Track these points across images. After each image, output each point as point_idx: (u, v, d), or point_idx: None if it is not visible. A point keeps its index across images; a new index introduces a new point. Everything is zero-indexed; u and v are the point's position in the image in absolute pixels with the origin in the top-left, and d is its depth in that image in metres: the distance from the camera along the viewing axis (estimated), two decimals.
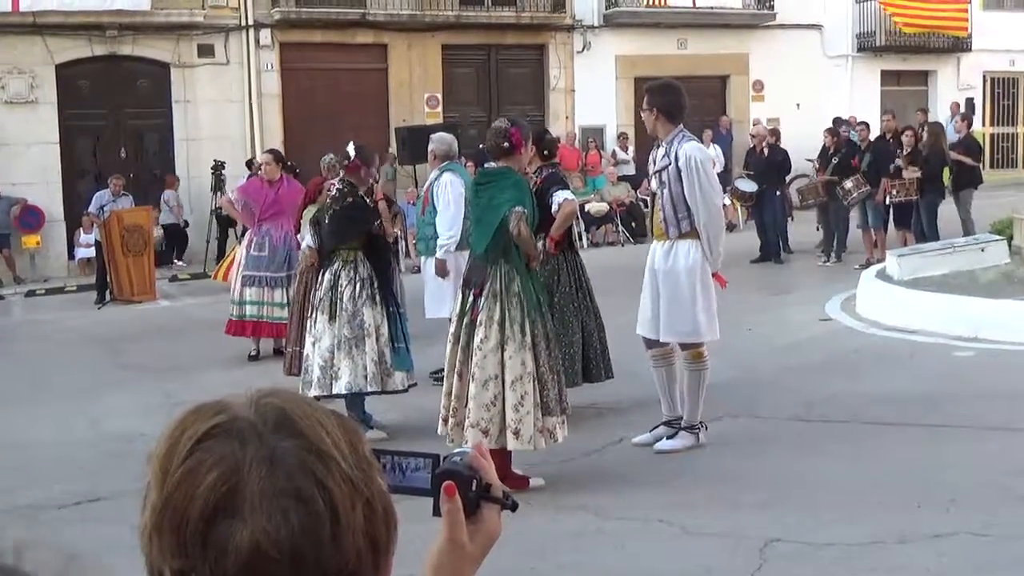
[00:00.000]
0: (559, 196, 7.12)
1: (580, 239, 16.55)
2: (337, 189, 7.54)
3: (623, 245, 18.27)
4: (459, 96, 21.20)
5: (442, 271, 8.52)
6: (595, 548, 5.32)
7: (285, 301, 9.88)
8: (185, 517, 0.96)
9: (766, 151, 15.81)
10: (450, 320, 6.62)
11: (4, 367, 10.96)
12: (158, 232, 18.24)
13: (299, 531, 0.95)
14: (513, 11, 21.12)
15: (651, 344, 6.90)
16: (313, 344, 7.30)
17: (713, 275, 6.71)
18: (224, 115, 19.43)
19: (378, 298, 7.31)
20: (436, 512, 1.21)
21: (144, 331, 12.70)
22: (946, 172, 14.68)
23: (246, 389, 1.05)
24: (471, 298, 6.10)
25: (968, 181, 14.82)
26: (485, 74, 21.60)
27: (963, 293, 10.15)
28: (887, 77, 24.41)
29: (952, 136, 15.93)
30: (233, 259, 11.31)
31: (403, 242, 15.76)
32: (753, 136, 17.03)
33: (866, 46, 24.08)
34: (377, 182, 9.01)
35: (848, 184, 14.37)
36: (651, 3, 21.83)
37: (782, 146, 16.02)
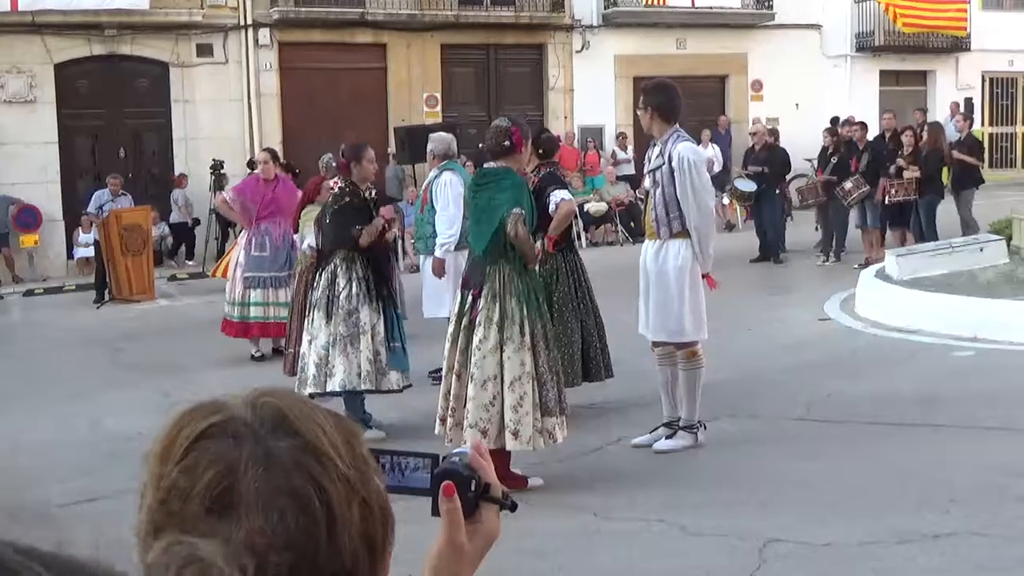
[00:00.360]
0: (556, 196, 7.11)
1: (580, 238, 16.58)
2: (339, 188, 7.56)
3: (622, 244, 18.26)
4: (458, 96, 21.21)
5: (439, 270, 8.48)
6: (594, 548, 5.31)
7: (288, 301, 9.87)
8: (181, 516, 0.95)
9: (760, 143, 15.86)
10: (448, 320, 6.61)
11: (3, 366, 10.96)
12: (159, 231, 18.25)
13: (295, 531, 0.95)
14: (512, 11, 21.12)
15: (656, 343, 6.91)
16: (310, 342, 7.31)
17: (704, 276, 6.71)
18: (223, 115, 19.43)
19: (375, 297, 7.31)
20: (435, 512, 1.21)
21: (143, 331, 12.70)
22: (945, 172, 14.68)
23: (244, 388, 1.04)
24: (470, 298, 6.10)
25: (970, 181, 14.82)
26: (484, 74, 21.60)
27: (962, 293, 10.14)
28: (886, 77, 24.42)
29: (953, 135, 15.93)
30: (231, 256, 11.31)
31: (402, 241, 15.78)
32: (753, 134, 17.01)
33: (865, 46, 24.10)
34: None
35: (848, 185, 14.37)
36: (650, 3, 21.83)
37: (781, 145, 16.02)
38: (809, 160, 16.59)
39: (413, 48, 20.64)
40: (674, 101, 6.74)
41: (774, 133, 16.59)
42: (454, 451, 1.26)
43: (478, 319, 5.99)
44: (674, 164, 6.54)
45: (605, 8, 21.77)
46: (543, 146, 7.61)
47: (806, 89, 22.70)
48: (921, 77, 25.06)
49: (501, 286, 5.99)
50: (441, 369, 6.40)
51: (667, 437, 6.84)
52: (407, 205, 16.69)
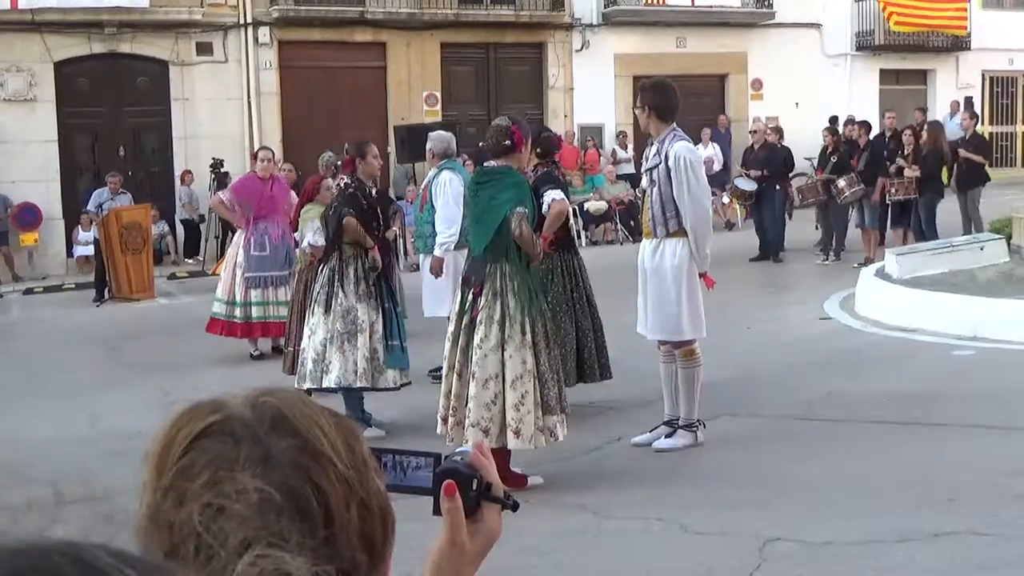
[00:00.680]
0: (549, 196, 7.10)
1: (580, 238, 16.58)
2: (345, 183, 7.57)
3: (622, 243, 18.27)
4: (458, 94, 21.20)
5: (437, 269, 8.45)
6: (594, 547, 5.31)
7: (288, 299, 9.87)
8: (179, 515, 0.95)
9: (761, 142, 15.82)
10: (449, 319, 6.61)
11: (3, 365, 10.96)
12: (158, 230, 18.24)
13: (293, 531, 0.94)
14: (512, 9, 21.12)
15: (660, 341, 6.90)
16: (308, 337, 7.33)
17: (701, 276, 6.71)
18: (223, 113, 19.43)
19: (375, 294, 7.31)
20: (436, 511, 1.20)
21: (143, 329, 12.70)
22: (944, 171, 14.68)
23: (243, 387, 1.04)
24: (470, 297, 6.09)
25: (977, 179, 14.81)
26: (484, 72, 21.60)
27: (962, 292, 10.14)
28: (886, 76, 24.42)
29: (958, 134, 15.90)
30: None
31: (402, 240, 15.77)
32: (753, 132, 16.97)
33: (865, 45, 24.09)
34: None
35: (841, 182, 14.38)
36: (650, 2, 21.84)
37: (783, 144, 16.01)
38: (809, 159, 16.59)
39: (413, 47, 20.64)
40: (671, 100, 6.73)
41: (778, 131, 16.56)
42: (456, 450, 1.26)
43: (479, 318, 5.98)
44: (671, 163, 6.54)
45: (605, 7, 21.77)
46: (541, 145, 7.59)
47: (806, 88, 22.70)
48: (921, 76, 25.05)
49: (502, 285, 5.98)
50: (441, 367, 6.39)
51: (667, 436, 6.84)
52: (407, 204, 16.68)
